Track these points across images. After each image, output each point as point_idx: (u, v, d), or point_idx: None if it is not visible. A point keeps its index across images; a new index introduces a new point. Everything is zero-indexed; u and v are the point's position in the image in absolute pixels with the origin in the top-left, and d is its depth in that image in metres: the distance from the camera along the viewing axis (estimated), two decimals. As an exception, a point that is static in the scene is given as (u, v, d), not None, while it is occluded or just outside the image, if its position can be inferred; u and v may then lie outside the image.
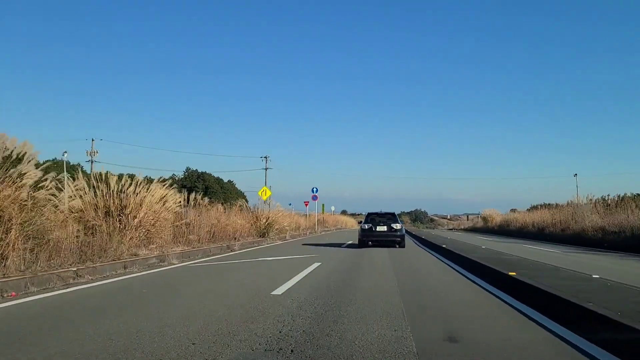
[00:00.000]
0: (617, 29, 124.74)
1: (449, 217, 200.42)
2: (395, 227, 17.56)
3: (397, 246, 17.38)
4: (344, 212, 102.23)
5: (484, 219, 56.23)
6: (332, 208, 58.97)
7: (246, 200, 37.38)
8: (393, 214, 18.75)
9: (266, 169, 49.08)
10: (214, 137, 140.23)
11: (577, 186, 54.70)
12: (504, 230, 39.42)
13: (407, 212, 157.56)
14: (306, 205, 40.62)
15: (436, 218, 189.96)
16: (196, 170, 77.08)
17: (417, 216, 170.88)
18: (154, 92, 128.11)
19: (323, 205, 49.82)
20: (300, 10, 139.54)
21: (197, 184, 69.13)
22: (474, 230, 56.20)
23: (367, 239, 17.69)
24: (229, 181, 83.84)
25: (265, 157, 49.38)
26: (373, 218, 18.31)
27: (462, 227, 79.62)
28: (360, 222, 19.89)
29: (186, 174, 76.26)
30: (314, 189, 39.11)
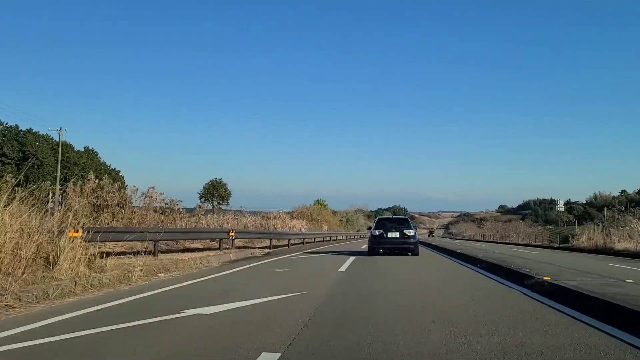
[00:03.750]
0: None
1: (428, 215, 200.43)
2: (408, 234, 16.73)
3: (410, 254, 16.57)
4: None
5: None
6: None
7: (122, 186, 16.76)
8: (406, 219, 18.00)
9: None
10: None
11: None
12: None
13: (386, 209, 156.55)
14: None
15: (416, 215, 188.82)
16: (16, 126, 43.62)
17: (396, 213, 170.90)
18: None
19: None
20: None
21: (9, 152, 40.31)
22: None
23: (378, 246, 16.89)
24: (87, 148, 48.44)
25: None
26: (384, 223, 17.41)
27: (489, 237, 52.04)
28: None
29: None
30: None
